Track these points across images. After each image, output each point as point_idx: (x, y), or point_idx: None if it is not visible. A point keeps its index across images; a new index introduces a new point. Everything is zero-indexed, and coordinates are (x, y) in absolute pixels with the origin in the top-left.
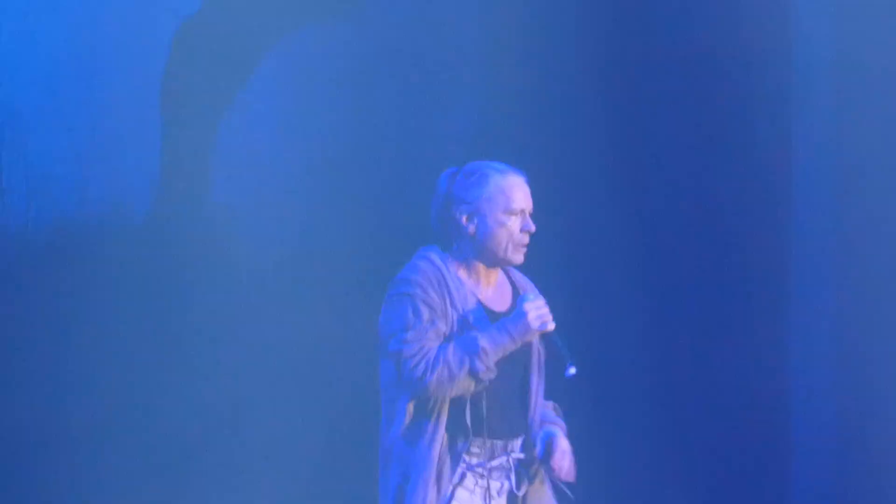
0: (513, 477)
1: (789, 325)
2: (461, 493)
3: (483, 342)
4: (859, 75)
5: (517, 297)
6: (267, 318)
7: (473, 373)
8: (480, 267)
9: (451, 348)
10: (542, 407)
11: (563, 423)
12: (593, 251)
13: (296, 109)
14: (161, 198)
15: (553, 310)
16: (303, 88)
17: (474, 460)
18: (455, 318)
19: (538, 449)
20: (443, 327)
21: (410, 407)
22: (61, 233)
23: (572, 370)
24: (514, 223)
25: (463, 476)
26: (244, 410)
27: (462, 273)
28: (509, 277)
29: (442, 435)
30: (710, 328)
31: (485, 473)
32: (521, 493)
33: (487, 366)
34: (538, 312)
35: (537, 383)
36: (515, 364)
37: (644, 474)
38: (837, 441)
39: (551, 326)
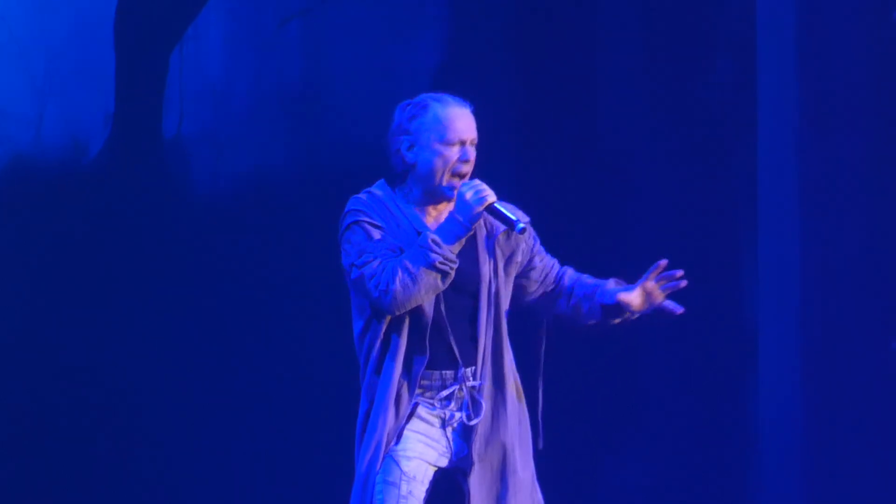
0: (469, 405)
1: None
2: (417, 423)
3: (431, 235)
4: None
5: None
6: (224, 250)
7: (430, 265)
8: (425, 200)
9: (404, 255)
10: (490, 340)
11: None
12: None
13: (249, 41)
14: (116, 132)
15: None
16: (254, 20)
17: (425, 392)
18: (403, 237)
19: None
20: (396, 243)
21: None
22: (18, 166)
23: (521, 225)
24: (452, 153)
25: (415, 406)
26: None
27: (407, 204)
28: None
29: (400, 361)
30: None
31: (436, 404)
32: (471, 423)
33: (443, 255)
34: (474, 190)
35: (486, 315)
36: (464, 295)
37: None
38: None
39: (491, 198)
